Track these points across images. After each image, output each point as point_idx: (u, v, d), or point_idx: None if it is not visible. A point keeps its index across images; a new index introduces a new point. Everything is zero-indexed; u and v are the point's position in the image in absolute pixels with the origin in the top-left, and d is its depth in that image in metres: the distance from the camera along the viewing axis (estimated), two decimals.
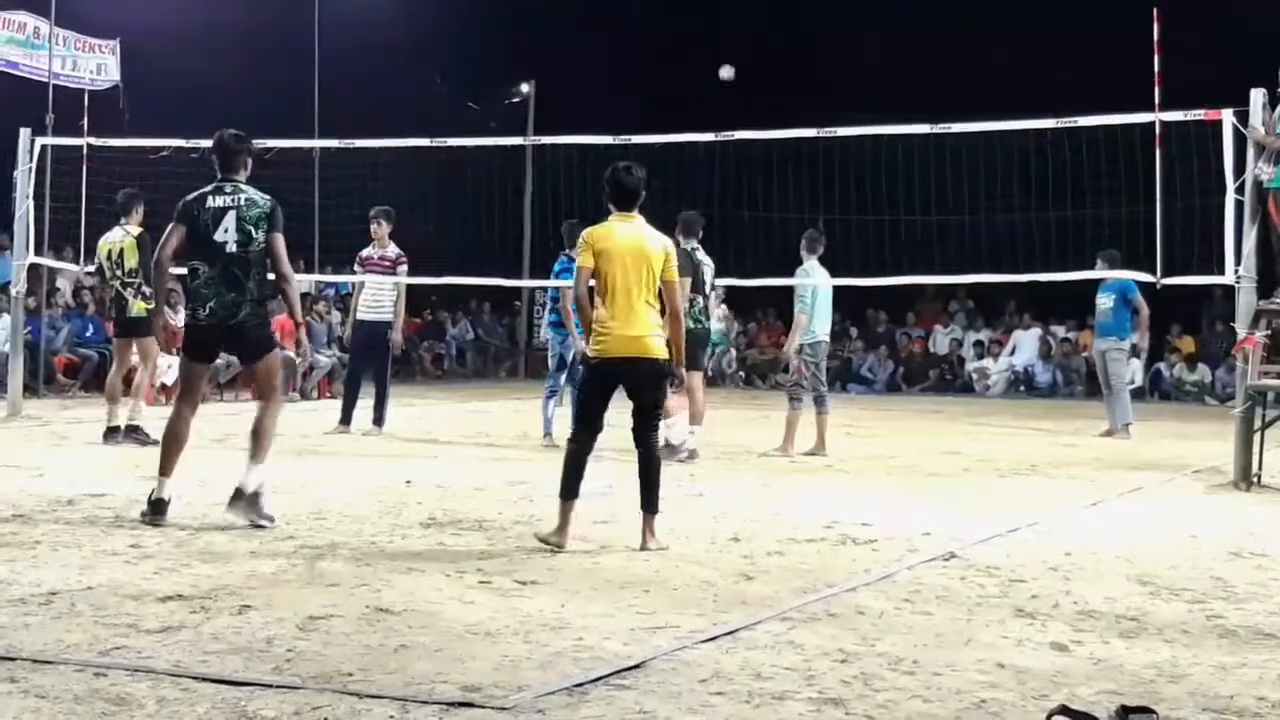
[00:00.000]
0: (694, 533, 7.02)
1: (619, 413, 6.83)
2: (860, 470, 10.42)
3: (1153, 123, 10.36)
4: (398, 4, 23.63)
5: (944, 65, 22.44)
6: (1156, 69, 10.26)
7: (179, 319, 12.71)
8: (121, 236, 11.34)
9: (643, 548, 6.49)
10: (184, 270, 7.59)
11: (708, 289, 11.11)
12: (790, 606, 5.29)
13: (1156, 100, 10.28)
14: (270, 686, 4.02)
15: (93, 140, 14.04)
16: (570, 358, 11.31)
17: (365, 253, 12.80)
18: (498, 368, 25.25)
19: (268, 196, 7.29)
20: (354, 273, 13.18)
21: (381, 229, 12.66)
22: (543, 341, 13.51)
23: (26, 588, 5.32)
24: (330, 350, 18.43)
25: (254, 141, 7.70)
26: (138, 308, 11.19)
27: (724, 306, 21.42)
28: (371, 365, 12.81)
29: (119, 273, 11.28)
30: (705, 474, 9.76)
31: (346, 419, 12.60)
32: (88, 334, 17.36)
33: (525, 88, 26.52)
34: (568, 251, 10.99)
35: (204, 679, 4.07)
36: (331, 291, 20.54)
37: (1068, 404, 19.90)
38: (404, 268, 12.62)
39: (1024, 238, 14.97)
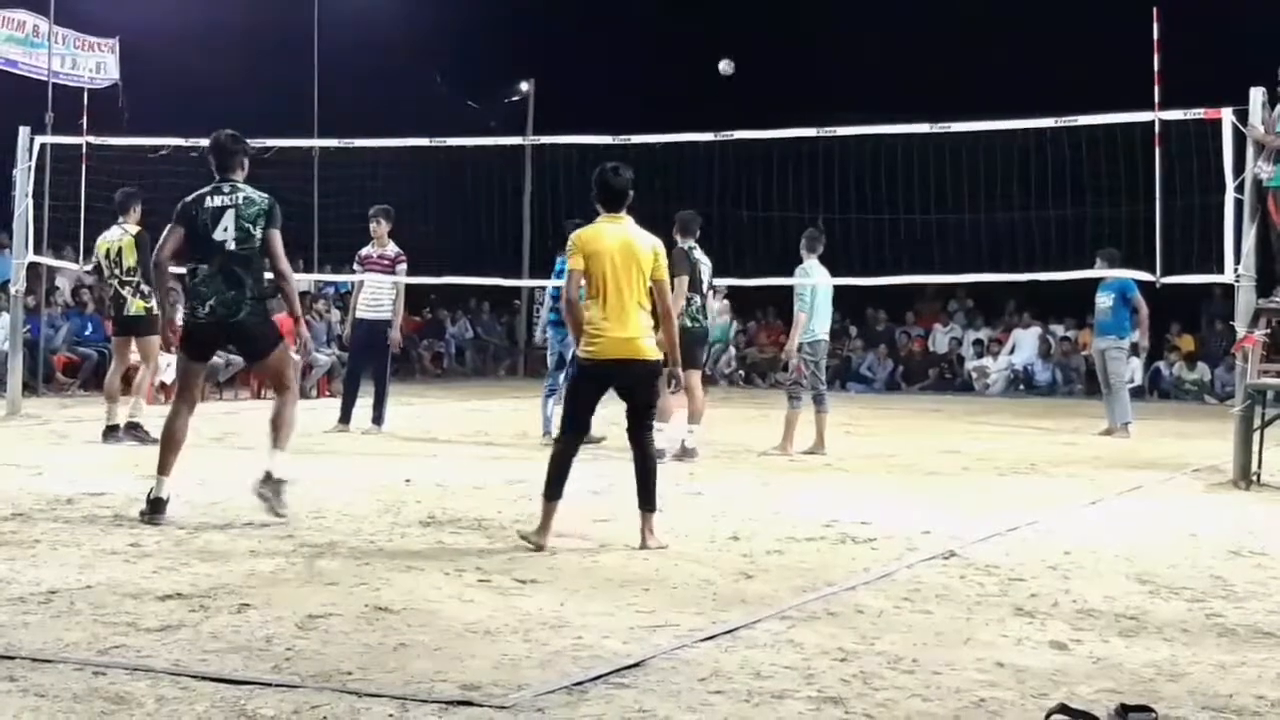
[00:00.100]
0: (693, 531, 7.02)
1: (619, 413, 6.83)
2: (859, 469, 10.41)
3: (1152, 122, 10.36)
4: (398, 4, 23.61)
5: (944, 65, 22.42)
6: (1156, 68, 10.25)
7: (178, 317, 12.69)
8: (120, 235, 11.34)
9: (642, 546, 6.48)
10: (183, 270, 7.60)
11: (705, 288, 11.11)
12: (789, 605, 5.29)
13: (1156, 99, 10.28)
14: (269, 685, 4.02)
15: (92, 139, 14.02)
16: (570, 356, 11.29)
17: (364, 251, 12.79)
18: (497, 366, 25.24)
19: (265, 194, 7.32)
20: (353, 271, 13.16)
21: (381, 228, 12.65)
22: (540, 341, 13.49)
23: (26, 586, 5.32)
24: (329, 349, 18.42)
25: (253, 141, 7.71)
26: (136, 306, 11.19)
27: (725, 301, 21.45)
28: (371, 364, 12.81)
29: (117, 271, 11.28)
30: (704, 473, 9.75)
31: (346, 418, 12.59)
32: (87, 333, 17.34)
33: (525, 87, 26.49)
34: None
35: (203, 678, 4.07)
36: (331, 290, 20.53)
37: (1067, 403, 19.87)
38: (403, 266, 12.61)
39: (1023, 237, 14.95)
